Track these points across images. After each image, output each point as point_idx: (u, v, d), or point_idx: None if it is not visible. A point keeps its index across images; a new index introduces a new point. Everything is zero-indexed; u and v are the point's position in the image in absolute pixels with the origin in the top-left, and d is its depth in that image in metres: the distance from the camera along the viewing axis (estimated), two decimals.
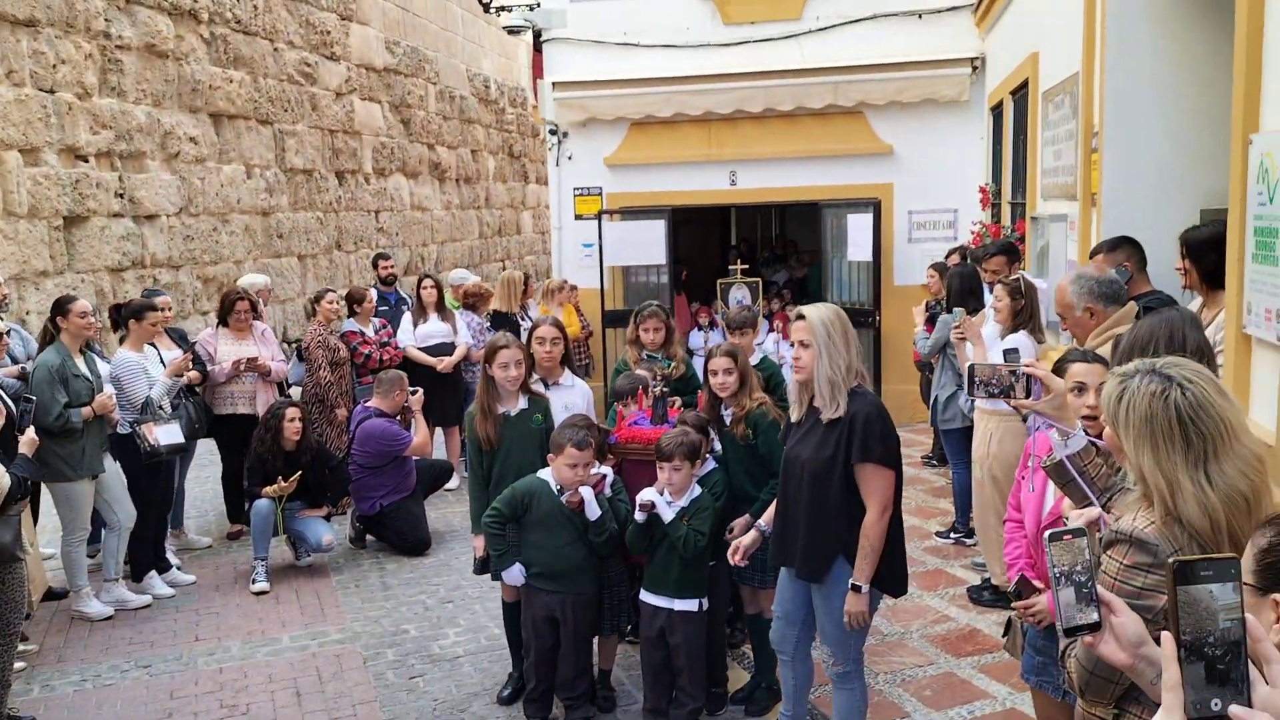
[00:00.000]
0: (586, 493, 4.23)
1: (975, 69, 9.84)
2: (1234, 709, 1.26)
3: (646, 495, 4.18)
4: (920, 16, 9.99)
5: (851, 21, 10.17)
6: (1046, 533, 1.96)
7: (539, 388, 4.85)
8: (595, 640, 4.61)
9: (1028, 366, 2.56)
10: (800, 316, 3.60)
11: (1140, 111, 5.12)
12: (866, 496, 3.53)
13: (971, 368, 2.64)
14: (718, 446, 4.55)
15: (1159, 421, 1.96)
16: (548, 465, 4.38)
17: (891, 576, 3.66)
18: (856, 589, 3.55)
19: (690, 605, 4.25)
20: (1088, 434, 2.72)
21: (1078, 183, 5.80)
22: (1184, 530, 1.98)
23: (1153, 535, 1.98)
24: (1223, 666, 1.29)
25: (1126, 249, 4.57)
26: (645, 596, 4.33)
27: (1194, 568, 1.35)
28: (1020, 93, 7.88)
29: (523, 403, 4.70)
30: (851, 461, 3.51)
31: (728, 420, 4.50)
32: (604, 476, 4.36)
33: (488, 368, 4.64)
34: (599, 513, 4.25)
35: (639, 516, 4.20)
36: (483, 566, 4.76)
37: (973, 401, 5.27)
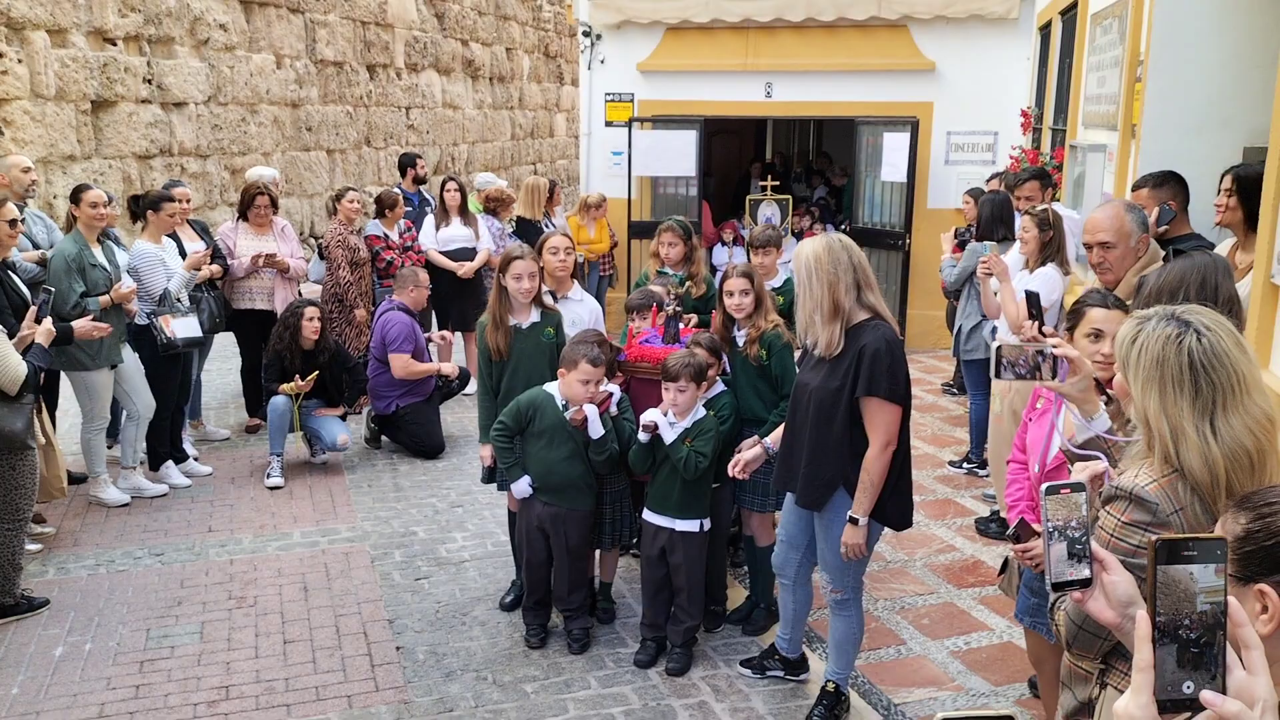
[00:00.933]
0: (590, 411, 4.21)
1: None
2: (1205, 694, 1.23)
3: (650, 416, 4.16)
4: None
5: None
6: (1043, 485, 1.93)
7: (549, 300, 4.82)
8: (597, 553, 4.66)
9: (1056, 348, 2.46)
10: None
11: (1188, 42, 4.90)
12: (870, 431, 3.51)
13: (998, 349, 2.55)
14: (729, 369, 4.52)
15: (1170, 366, 1.92)
16: (557, 379, 4.37)
17: (895, 511, 3.65)
18: (854, 521, 3.55)
19: (691, 526, 4.26)
20: (1100, 388, 2.64)
21: (1119, 112, 5.60)
22: (1185, 485, 1.94)
23: (1153, 493, 1.95)
24: (1196, 650, 1.26)
25: (1173, 186, 4.32)
26: (647, 515, 4.35)
27: (1177, 547, 1.31)
28: (1070, 13, 7.57)
29: (535, 315, 4.67)
30: (857, 394, 3.47)
31: (741, 341, 4.46)
32: (611, 395, 4.35)
33: (501, 278, 4.60)
34: (601, 431, 4.25)
35: (642, 437, 4.20)
36: (489, 476, 4.80)
37: (996, 334, 5.18)
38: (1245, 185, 3.92)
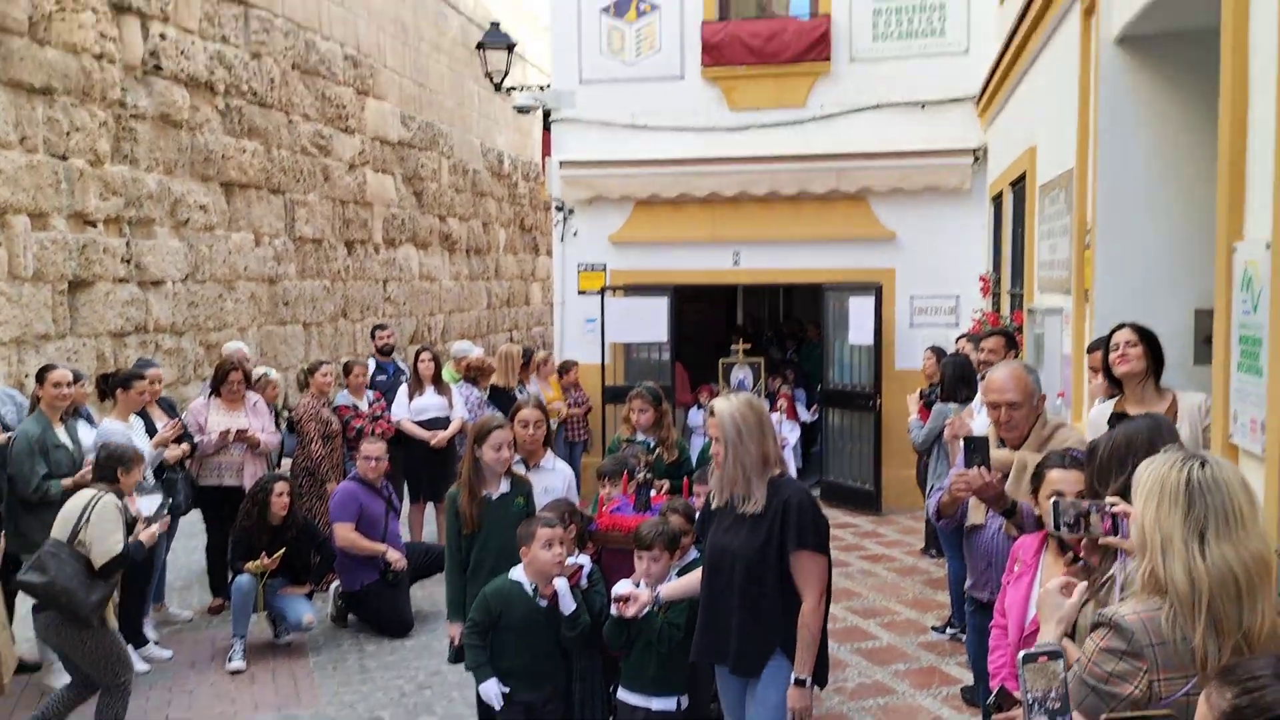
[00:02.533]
0: (560, 585, 4.11)
1: (977, 159, 9.93)
2: None
3: (622, 588, 4.05)
4: (923, 107, 10.11)
5: (855, 110, 10.29)
6: (1021, 653, 1.90)
7: (520, 470, 4.79)
8: None
9: (1114, 506, 2.51)
10: (713, 412, 3.58)
11: (1132, 211, 5.12)
12: (803, 585, 3.47)
13: (1055, 504, 2.59)
14: None
15: (1170, 482, 2.04)
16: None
17: (818, 666, 3.57)
18: (801, 682, 3.46)
19: (668, 704, 4.11)
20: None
21: (1072, 277, 5.78)
22: (1168, 619, 1.95)
23: (1131, 622, 2.00)
24: None
25: None
26: (623, 694, 4.20)
27: None
28: (1019, 185, 7.92)
29: (505, 485, 4.62)
30: (787, 549, 3.45)
31: None
32: (581, 567, 4.27)
33: (476, 449, 4.57)
34: (573, 606, 4.14)
35: (614, 611, 4.07)
36: (457, 655, 4.66)
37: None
38: (1148, 336, 4.24)
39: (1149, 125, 5.10)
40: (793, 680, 3.46)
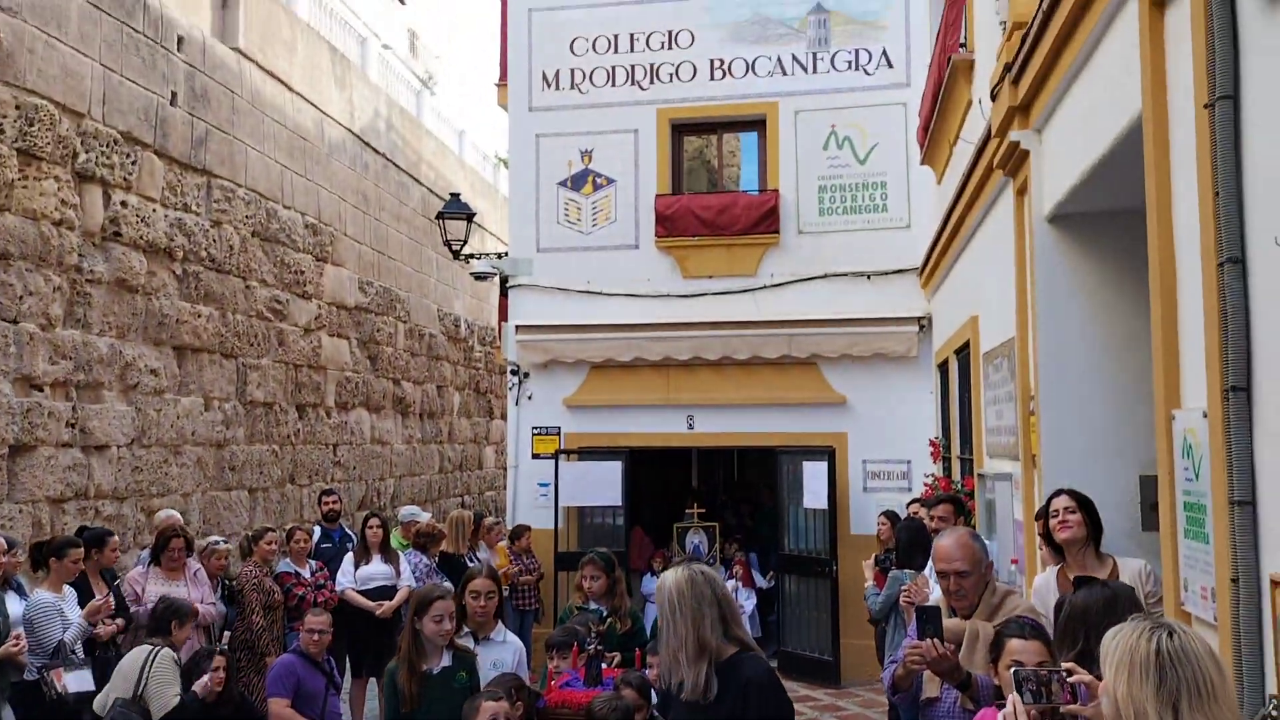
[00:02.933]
0: None
1: (922, 327, 10.22)
2: None
3: None
4: (869, 277, 10.46)
5: (803, 280, 10.62)
6: None
7: (467, 642, 4.64)
8: None
9: (1071, 674, 2.50)
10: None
11: (1073, 379, 5.26)
12: None
13: (1016, 672, 2.58)
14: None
15: (1140, 653, 2.04)
16: None
17: None
18: None
19: None
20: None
21: (1019, 443, 5.88)
22: None
23: None
24: None
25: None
26: None
27: None
28: (963, 352, 8.13)
29: (447, 659, 4.45)
30: None
31: None
32: None
33: (417, 620, 4.43)
34: None
35: None
36: None
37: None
38: (1085, 502, 4.31)
39: (1084, 297, 5.31)
40: None
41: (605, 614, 5.48)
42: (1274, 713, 2.79)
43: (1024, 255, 5.67)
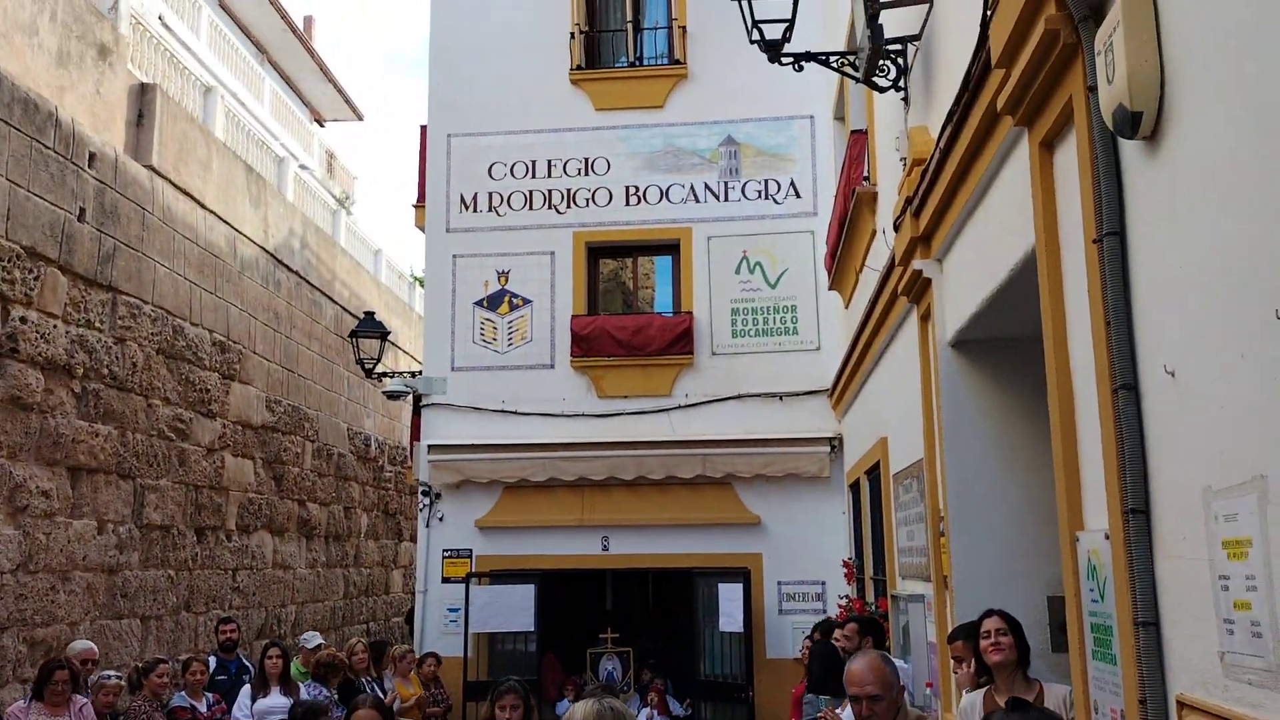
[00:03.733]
0: None
1: (834, 448, 10.38)
2: None
3: None
4: (781, 399, 10.64)
5: (717, 400, 10.74)
6: None
7: None
8: None
9: None
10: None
11: (981, 500, 5.37)
12: None
13: None
14: None
15: None
16: None
17: None
18: None
19: None
20: None
21: (930, 564, 5.94)
22: None
23: None
24: None
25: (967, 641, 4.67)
26: None
27: None
28: (874, 473, 8.26)
29: None
30: None
31: None
32: None
33: None
34: None
35: None
36: None
37: None
38: (1015, 624, 4.38)
39: (988, 420, 5.47)
40: None
41: None
42: None
43: (929, 379, 5.84)
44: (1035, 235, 3.96)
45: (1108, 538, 3.29)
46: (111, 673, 7.14)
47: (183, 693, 7.56)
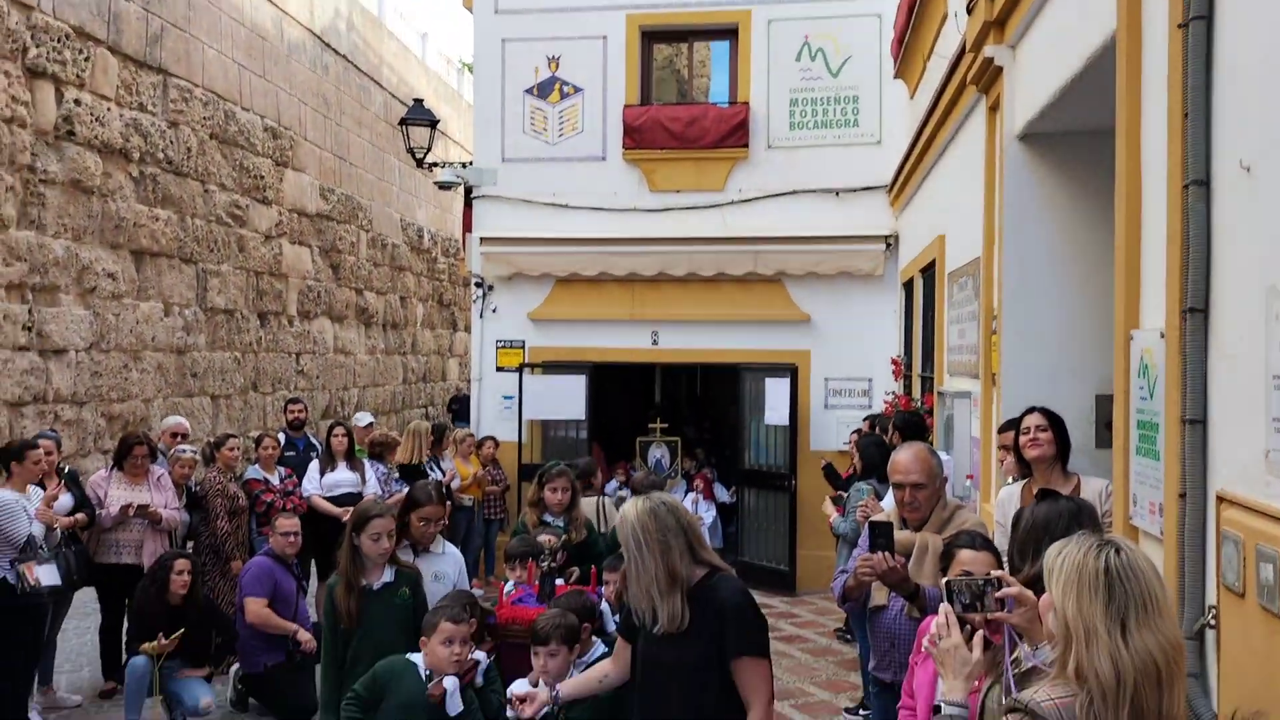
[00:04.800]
0: (450, 683, 3.78)
1: (889, 245, 10.24)
2: None
3: (518, 688, 3.68)
4: (838, 194, 10.43)
5: (771, 195, 10.57)
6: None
7: (407, 556, 4.55)
8: None
9: (1006, 589, 2.53)
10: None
11: (1036, 298, 5.32)
12: (749, 694, 3.17)
13: (948, 583, 2.61)
14: (611, 625, 4.32)
15: (1088, 570, 2.06)
16: (414, 648, 3.98)
17: None
18: None
19: None
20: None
21: (980, 362, 5.96)
22: (1084, 707, 1.97)
23: (1048, 710, 2.03)
24: None
25: None
26: None
27: None
28: (929, 271, 8.18)
29: (388, 575, 4.35)
30: (728, 657, 3.17)
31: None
32: (476, 664, 3.98)
33: (355, 537, 4.31)
34: (459, 708, 3.79)
35: (510, 713, 3.65)
36: None
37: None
38: (1056, 420, 4.42)
39: (1051, 217, 5.34)
40: None
41: (565, 527, 5.48)
42: (1212, 622, 2.91)
43: (994, 173, 5.68)
44: (1116, 20, 3.73)
45: (1163, 336, 3.26)
46: (186, 447, 7.52)
47: (255, 466, 7.98)
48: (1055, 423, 4.42)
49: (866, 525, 3.84)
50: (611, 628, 4.30)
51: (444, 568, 4.68)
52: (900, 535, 3.87)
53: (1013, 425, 4.73)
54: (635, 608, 3.27)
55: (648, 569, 3.17)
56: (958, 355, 6.80)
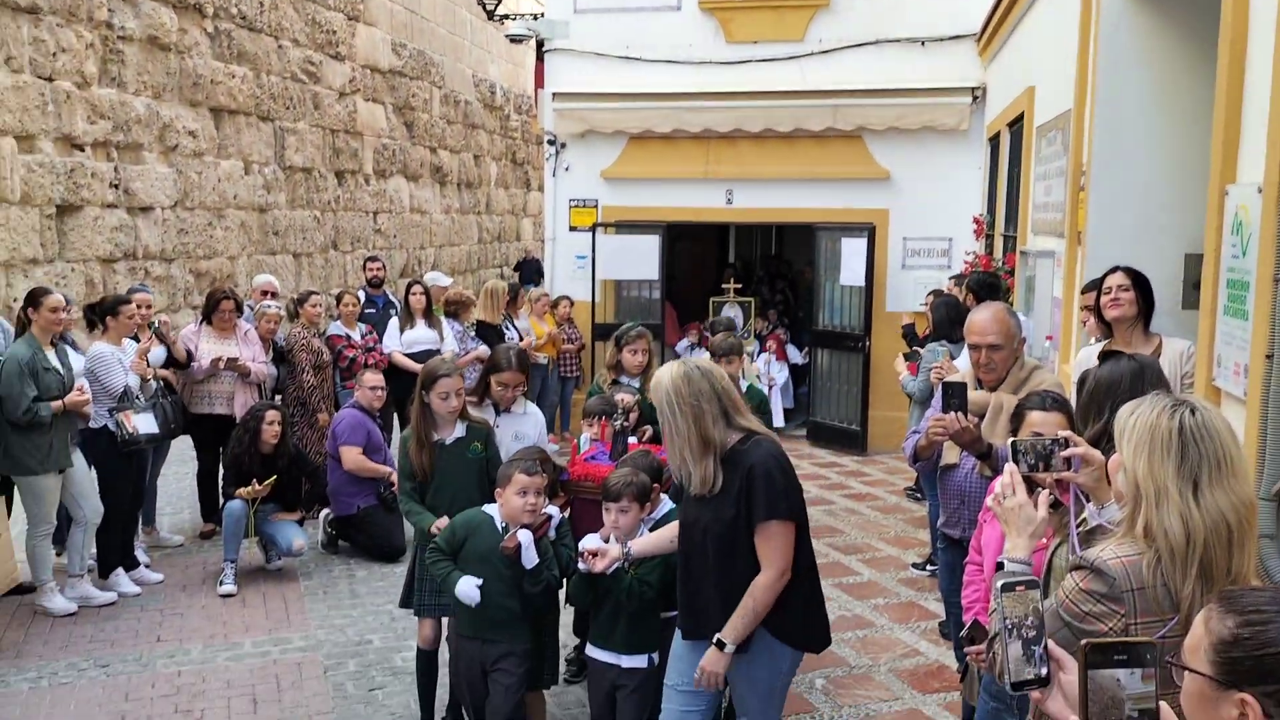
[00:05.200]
0: (525, 537, 3.84)
1: (976, 98, 9.83)
2: None
3: (590, 542, 3.68)
4: (923, 44, 9.99)
5: (853, 46, 10.16)
6: (999, 582, 1.92)
7: (485, 414, 4.61)
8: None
9: (1071, 449, 2.50)
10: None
11: (1128, 153, 5.10)
12: (765, 556, 3.22)
13: (1014, 443, 2.58)
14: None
15: (1161, 431, 2.03)
16: (488, 499, 4.07)
17: (811, 632, 3.41)
18: (720, 645, 3.23)
19: (639, 661, 3.86)
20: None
21: (1065, 220, 5.78)
22: (1151, 565, 1.98)
23: (1113, 567, 2.03)
24: None
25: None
26: (592, 651, 3.94)
27: (1107, 651, 1.32)
28: (1016, 125, 7.87)
29: (460, 430, 4.44)
30: (754, 521, 3.21)
31: None
32: (549, 518, 4.04)
33: (424, 394, 4.38)
34: (535, 560, 3.85)
35: (582, 566, 3.69)
36: (407, 598, 4.62)
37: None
38: (1140, 280, 4.28)
39: (1148, 67, 5.06)
40: (714, 641, 3.25)
41: (640, 388, 5.53)
42: None
43: (1089, 21, 5.38)
44: None
45: (1260, 191, 3.11)
46: (272, 303, 7.73)
47: (337, 322, 8.18)
48: (1139, 282, 4.29)
49: (940, 385, 3.82)
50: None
51: (525, 428, 4.76)
52: (974, 395, 3.84)
53: (1096, 285, 4.60)
54: (673, 469, 3.35)
55: (681, 433, 3.22)
56: (1043, 213, 6.59)
